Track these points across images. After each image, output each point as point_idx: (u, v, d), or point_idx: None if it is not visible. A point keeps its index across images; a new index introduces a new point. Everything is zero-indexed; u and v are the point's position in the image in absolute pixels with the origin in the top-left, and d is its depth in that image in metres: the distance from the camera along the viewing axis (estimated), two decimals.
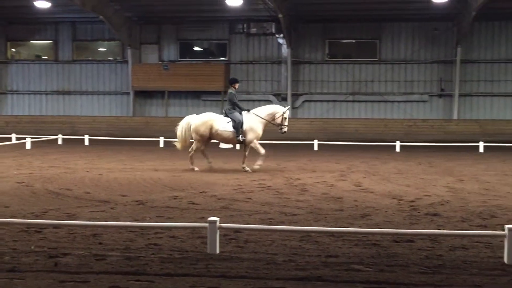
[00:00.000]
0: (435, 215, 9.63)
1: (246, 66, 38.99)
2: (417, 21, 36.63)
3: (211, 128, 16.37)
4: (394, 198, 11.56)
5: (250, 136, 16.35)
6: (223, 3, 32.61)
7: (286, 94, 37.93)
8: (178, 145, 17.10)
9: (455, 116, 36.36)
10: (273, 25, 37.56)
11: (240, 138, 16.30)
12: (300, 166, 18.16)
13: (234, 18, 37.85)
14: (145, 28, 39.68)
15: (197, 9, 36.37)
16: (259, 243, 7.57)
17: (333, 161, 20.09)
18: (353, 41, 38.88)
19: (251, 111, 16.67)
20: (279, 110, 16.63)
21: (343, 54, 39.22)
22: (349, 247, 7.39)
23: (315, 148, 26.38)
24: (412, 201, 11.08)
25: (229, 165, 17.87)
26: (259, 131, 16.51)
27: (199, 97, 39.27)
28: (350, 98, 38.15)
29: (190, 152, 16.78)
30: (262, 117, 16.51)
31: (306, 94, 38.66)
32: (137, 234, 8.05)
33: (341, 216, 9.54)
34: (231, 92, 16.72)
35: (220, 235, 7.24)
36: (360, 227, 8.57)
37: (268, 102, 38.69)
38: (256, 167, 16.34)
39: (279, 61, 38.53)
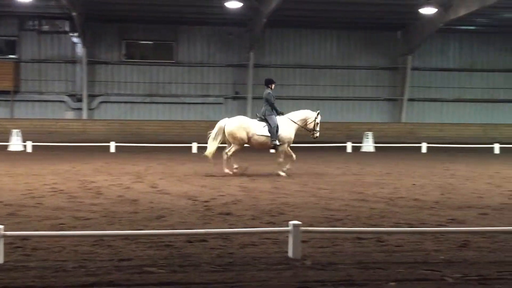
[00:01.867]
0: (227, 214, 9.93)
1: (38, 65, 37.24)
2: (213, 25, 37.64)
3: (247, 132, 15.71)
4: (189, 198, 11.73)
5: (284, 141, 15.93)
6: None
7: (82, 94, 36.86)
8: (208, 151, 16.20)
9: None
10: (67, 23, 36.35)
11: (277, 142, 15.71)
12: (96, 169, 17.76)
13: (24, 14, 35.89)
14: None
15: None
16: (48, 250, 7.25)
17: (131, 163, 19.94)
18: (150, 42, 38.90)
19: (285, 116, 16.13)
20: (311, 116, 16.25)
21: (140, 55, 39.09)
22: (143, 250, 7.35)
23: (112, 150, 25.97)
24: (207, 201, 11.32)
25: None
26: (292, 136, 16.09)
27: None
28: (148, 99, 38.10)
29: (226, 155, 16.07)
30: (296, 122, 16.07)
31: (103, 95, 37.87)
32: None
33: (136, 218, 9.46)
34: (269, 93, 15.97)
35: (4, 243, 6.81)
36: (154, 229, 8.56)
37: (62, 103, 37.37)
38: (281, 173, 16.01)
39: (73, 61, 37.34)
